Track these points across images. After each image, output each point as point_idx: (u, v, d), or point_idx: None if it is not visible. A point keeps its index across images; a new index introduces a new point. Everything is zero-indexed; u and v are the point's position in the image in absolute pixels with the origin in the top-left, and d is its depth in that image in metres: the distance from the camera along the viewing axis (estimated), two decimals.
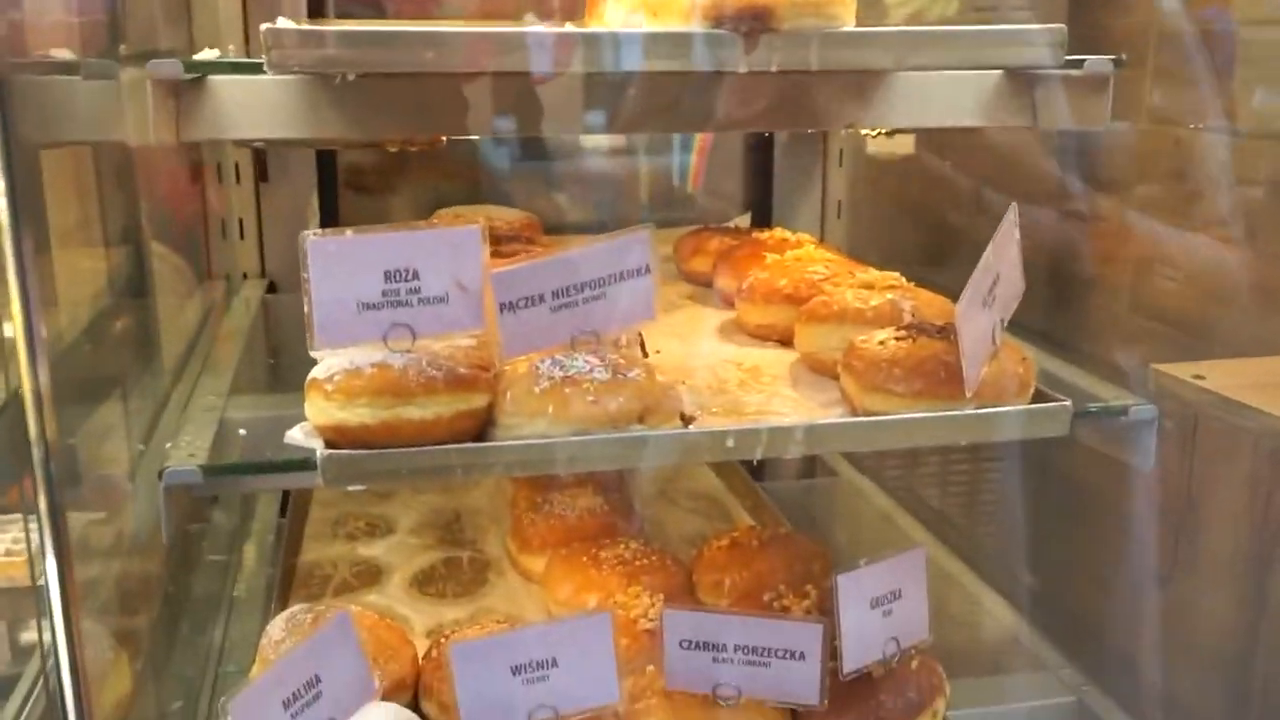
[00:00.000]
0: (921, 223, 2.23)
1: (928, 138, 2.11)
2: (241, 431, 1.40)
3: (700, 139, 2.36)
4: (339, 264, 1.18)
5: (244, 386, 1.56)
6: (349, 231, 1.20)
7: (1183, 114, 1.60)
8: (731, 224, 2.21)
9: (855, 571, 1.35)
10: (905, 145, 2.23)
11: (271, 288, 2.16)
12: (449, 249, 1.21)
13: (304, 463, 1.25)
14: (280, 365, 1.28)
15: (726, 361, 1.59)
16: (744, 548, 1.72)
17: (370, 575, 1.90)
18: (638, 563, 1.70)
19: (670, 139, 2.36)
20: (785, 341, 1.63)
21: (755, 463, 2.33)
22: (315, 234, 1.18)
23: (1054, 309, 1.80)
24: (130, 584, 1.73)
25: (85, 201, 1.66)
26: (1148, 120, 1.65)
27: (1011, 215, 1.29)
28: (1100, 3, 1.74)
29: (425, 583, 1.87)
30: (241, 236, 2.17)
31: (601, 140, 2.32)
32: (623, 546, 1.75)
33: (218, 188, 2.16)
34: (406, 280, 1.21)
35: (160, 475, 1.27)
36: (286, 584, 1.83)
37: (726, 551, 1.72)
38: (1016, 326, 1.39)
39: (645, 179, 2.41)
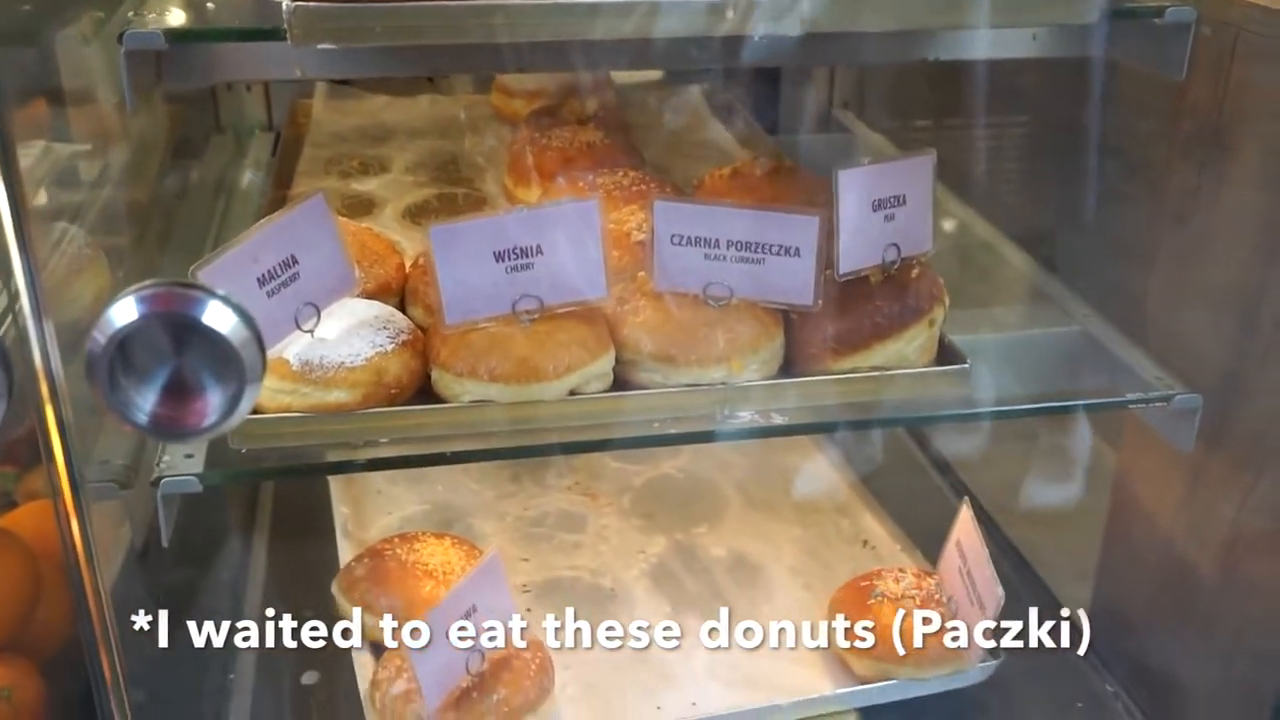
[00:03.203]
0: None
1: None
2: (210, 5, 1.32)
3: None
4: None
5: None
6: None
7: None
8: None
9: (856, 169, 1.28)
10: None
11: None
12: None
13: (272, 31, 1.17)
14: None
15: None
16: (746, 176, 1.65)
17: (362, 207, 1.85)
18: (635, 188, 1.64)
19: None
20: None
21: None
22: None
23: None
24: (113, 202, 1.68)
25: None
26: None
27: None
28: None
29: (418, 214, 1.82)
30: None
31: None
32: (621, 174, 1.68)
33: None
34: None
35: (120, 39, 1.19)
36: (274, 210, 1.78)
37: (728, 180, 1.65)
38: None
39: None
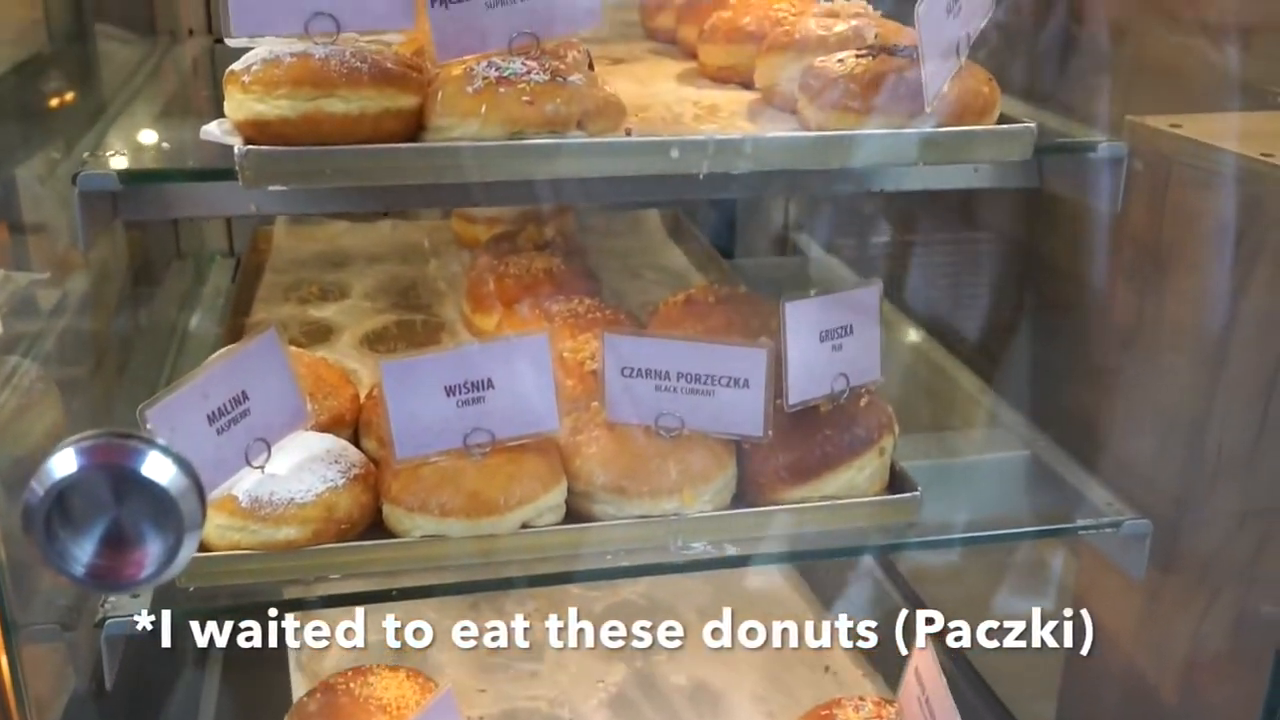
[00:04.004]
0: None
1: None
2: (165, 145, 1.33)
3: None
4: None
5: (176, 114, 1.48)
6: None
7: None
8: None
9: (803, 301, 1.30)
10: None
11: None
12: None
13: (225, 172, 1.19)
14: (220, 99, 1.21)
15: (683, 99, 1.52)
16: (700, 304, 1.67)
17: (320, 334, 1.86)
18: (590, 316, 1.65)
19: None
20: (748, 85, 1.55)
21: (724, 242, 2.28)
22: None
23: (1030, 66, 1.72)
24: (71, 331, 1.69)
25: None
26: None
27: None
28: None
29: (376, 341, 1.83)
30: None
31: None
32: (577, 302, 1.70)
33: None
34: None
35: (74, 180, 1.21)
36: (233, 338, 1.78)
37: (682, 307, 1.67)
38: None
39: None
